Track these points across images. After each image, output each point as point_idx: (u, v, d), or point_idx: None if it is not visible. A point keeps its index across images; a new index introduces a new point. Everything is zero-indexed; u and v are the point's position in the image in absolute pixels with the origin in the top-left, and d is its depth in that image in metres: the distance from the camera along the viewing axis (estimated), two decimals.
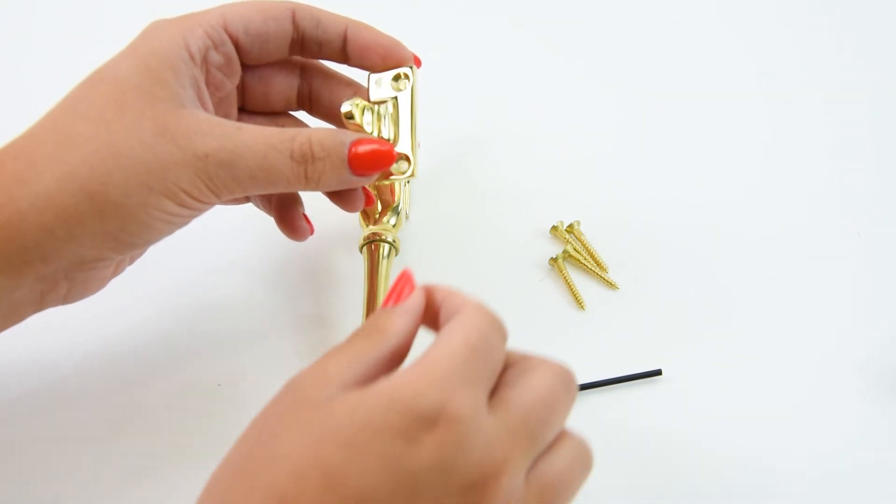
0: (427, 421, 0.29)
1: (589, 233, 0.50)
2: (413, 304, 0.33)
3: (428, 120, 0.50)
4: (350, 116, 0.39)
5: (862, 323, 0.47)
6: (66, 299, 0.38)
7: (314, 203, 0.45)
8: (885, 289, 0.48)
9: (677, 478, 0.41)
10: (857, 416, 0.44)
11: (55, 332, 0.44)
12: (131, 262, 0.41)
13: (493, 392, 0.31)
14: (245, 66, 0.41)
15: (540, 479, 0.31)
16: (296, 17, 0.40)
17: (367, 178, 0.39)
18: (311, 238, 0.44)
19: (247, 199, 0.44)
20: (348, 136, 0.38)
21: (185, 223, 0.37)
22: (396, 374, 0.30)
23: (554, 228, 0.50)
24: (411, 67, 0.41)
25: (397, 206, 0.47)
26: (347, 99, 0.39)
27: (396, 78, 0.41)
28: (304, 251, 0.48)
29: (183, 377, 0.44)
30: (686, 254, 0.49)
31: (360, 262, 0.47)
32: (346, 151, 0.38)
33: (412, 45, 0.42)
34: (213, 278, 0.47)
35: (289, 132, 0.37)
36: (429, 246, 0.49)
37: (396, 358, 0.33)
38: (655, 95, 0.57)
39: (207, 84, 0.39)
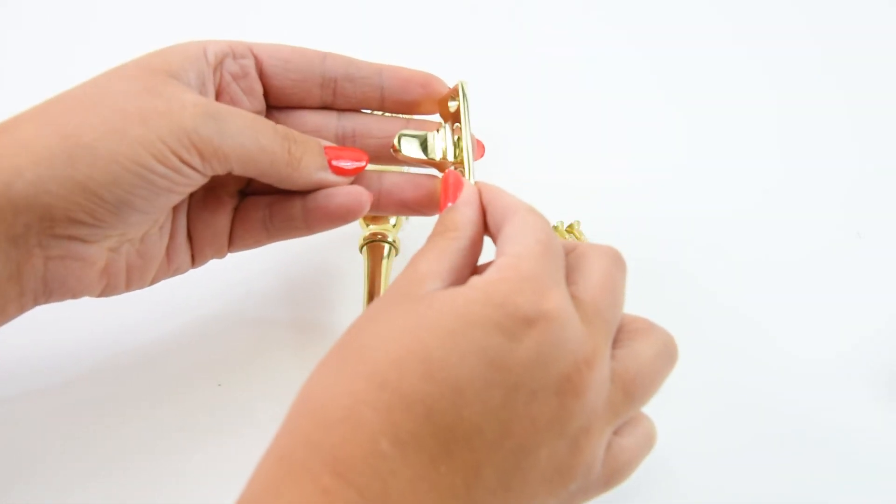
0: (527, 319, 0.30)
1: (589, 233, 0.50)
2: (469, 195, 0.36)
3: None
4: (395, 148, 0.40)
5: (862, 323, 0.47)
6: (46, 283, 0.36)
7: None
8: (885, 289, 0.48)
9: (678, 479, 0.42)
10: (858, 415, 0.44)
11: (53, 331, 0.44)
12: (128, 286, 0.39)
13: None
14: (279, 108, 0.42)
15: (623, 374, 0.32)
16: (327, 58, 0.41)
17: (343, 176, 0.39)
18: (310, 238, 0.44)
19: (270, 240, 0.42)
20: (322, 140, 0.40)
21: (165, 188, 0.36)
22: (486, 273, 0.32)
23: (554, 228, 0.50)
24: (462, 85, 0.40)
25: None
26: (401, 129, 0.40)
27: (452, 99, 0.41)
28: (304, 251, 0.48)
29: (183, 377, 0.44)
30: (685, 253, 0.49)
31: (359, 262, 0.47)
32: (320, 143, 0.39)
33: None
34: (212, 278, 0.47)
35: None
36: None
37: (475, 248, 0.35)
38: (652, 92, 0.57)
39: (221, 92, 0.39)
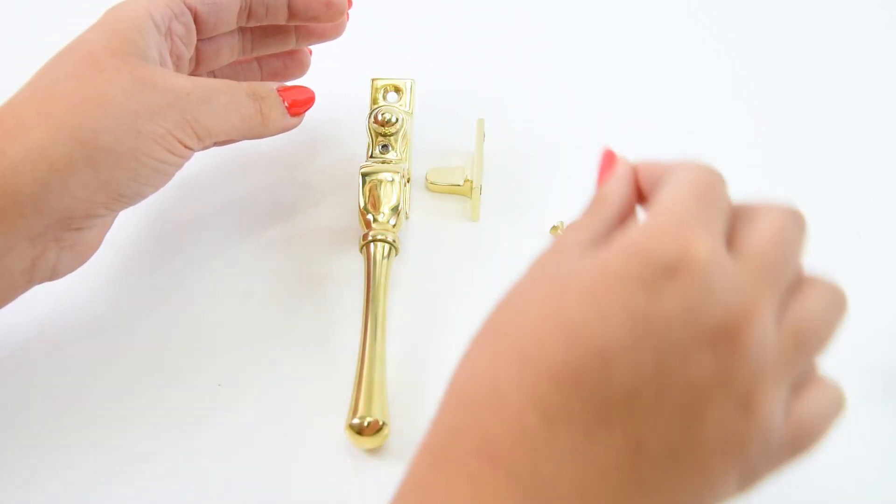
0: (668, 268, 0.28)
1: None
2: (621, 169, 0.33)
3: (427, 122, 0.50)
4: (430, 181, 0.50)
5: (861, 323, 0.46)
6: (55, 270, 0.39)
7: (315, 199, 0.46)
8: (885, 289, 0.48)
9: None
10: (858, 416, 0.43)
11: (52, 332, 0.44)
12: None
13: (727, 240, 0.30)
14: (201, 39, 0.44)
15: (792, 323, 0.30)
16: None
17: (298, 118, 0.44)
18: (310, 238, 0.44)
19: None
20: (272, 84, 0.44)
21: (169, 174, 0.39)
22: (629, 227, 0.30)
23: (554, 228, 0.50)
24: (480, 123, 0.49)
25: (397, 206, 0.47)
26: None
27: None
28: (304, 250, 0.48)
29: (182, 377, 0.44)
30: None
31: (359, 262, 0.47)
32: (274, 90, 0.43)
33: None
34: (211, 277, 0.47)
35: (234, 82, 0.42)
36: (429, 246, 0.49)
37: (623, 219, 0.32)
38: (643, 90, 0.57)
39: (170, 54, 0.41)
